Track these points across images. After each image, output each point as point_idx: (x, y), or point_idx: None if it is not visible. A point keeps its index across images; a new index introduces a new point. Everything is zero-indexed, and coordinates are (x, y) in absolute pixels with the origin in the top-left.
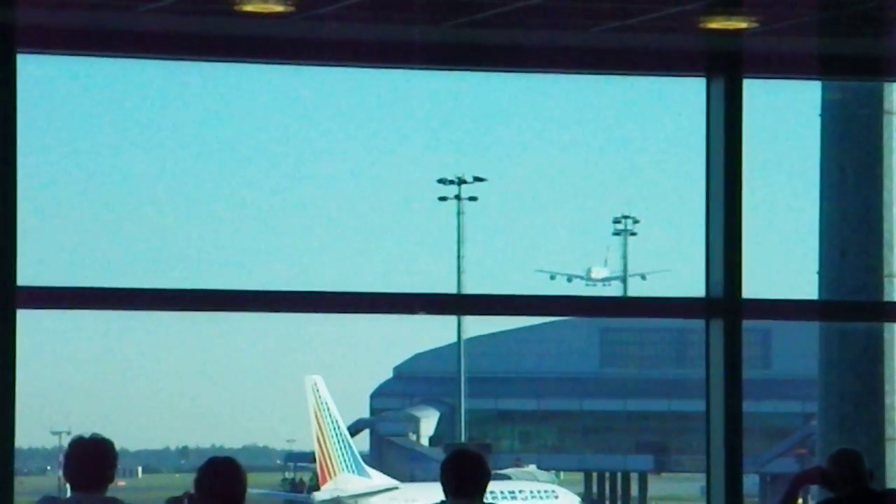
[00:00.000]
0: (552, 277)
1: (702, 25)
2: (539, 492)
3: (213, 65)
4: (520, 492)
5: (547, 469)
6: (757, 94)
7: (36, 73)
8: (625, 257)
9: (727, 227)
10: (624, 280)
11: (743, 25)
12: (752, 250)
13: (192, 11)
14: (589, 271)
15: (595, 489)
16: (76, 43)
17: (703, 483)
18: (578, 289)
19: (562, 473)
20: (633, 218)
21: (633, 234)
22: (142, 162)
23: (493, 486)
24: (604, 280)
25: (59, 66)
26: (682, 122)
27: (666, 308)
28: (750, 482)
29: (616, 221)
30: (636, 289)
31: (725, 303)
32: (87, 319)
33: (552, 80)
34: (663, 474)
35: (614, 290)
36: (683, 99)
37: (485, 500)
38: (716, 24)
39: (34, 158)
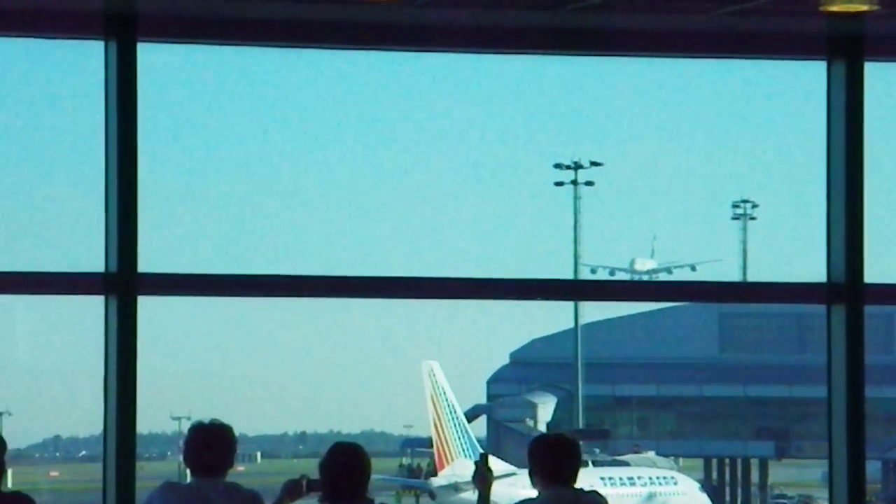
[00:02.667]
0: (593, 271)
1: (822, 8)
2: (658, 478)
3: (330, 52)
4: (638, 478)
5: (666, 455)
6: (879, 77)
7: (156, 61)
8: (744, 241)
9: (849, 211)
10: (744, 266)
11: (864, 8)
12: (874, 235)
13: None
14: (633, 263)
15: (715, 475)
16: (196, 31)
17: (825, 469)
18: (684, 274)
19: (681, 459)
20: (752, 202)
21: (753, 218)
22: (260, 149)
23: (611, 471)
24: (650, 272)
25: (179, 55)
26: (803, 106)
27: (787, 293)
28: (872, 468)
29: (735, 206)
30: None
31: (847, 288)
32: (208, 306)
33: (671, 64)
34: (784, 460)
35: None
36: (804, 83)
37: (575, 487)
38: (836, 6)
39: (154, 147)
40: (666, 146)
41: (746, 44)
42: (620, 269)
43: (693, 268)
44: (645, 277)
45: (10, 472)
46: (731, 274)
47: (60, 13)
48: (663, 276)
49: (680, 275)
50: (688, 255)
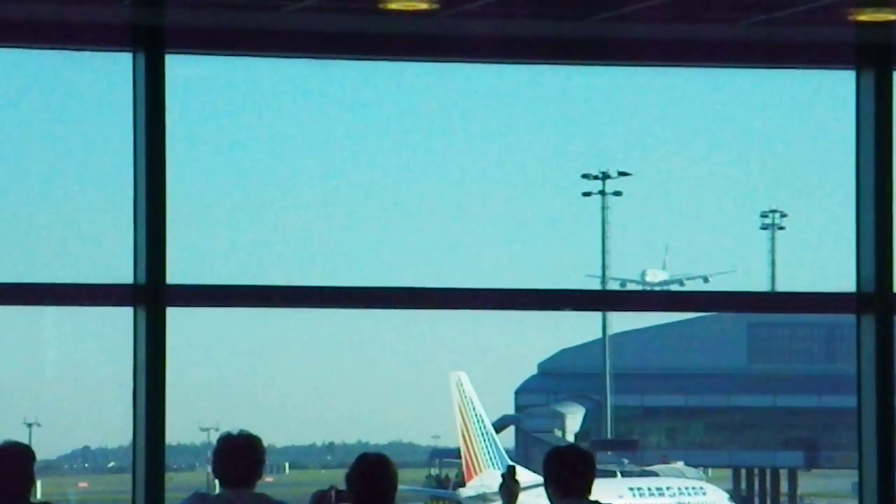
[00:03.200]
0: (603, 283)
1: (851, 17)
2: (687, 488)
3: (357, 63)
4: (667, 488)
5: (695, 465)
6: None
7: (184, 73)
8: (772, 251)
9: (878, 221)
10: (773, 276)
11: (893, 17)
12: None
13: (337, 10)
14: (643, 274)
15: (744, 486)
16: (223, 43)
17: (855, 480)
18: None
19: (710, 470)
20: (780, 212)
21: (782, 228)
22: (288, 160)
23: (640, 482)
24: (661, 284)
25: (207, 66)
26: (832, 116)
27: (816, 303)
28: None
29: (763, 216)
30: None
31: (877, 297)
32: (236, 316)
33: (699, 73)
34: (813, 471)
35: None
36: (833, 92)
37: (591, 499)
38: (865, 16)
39: (182, 158)
40: (694, 156)
41: (775, 53)
42: (631, 281)
43: (705, 279)
44: (657, 289)
45: (39, 483)
46: (748, 284)
47: (89, 25)
48: (675, 288)
49: (702, 285)
50: (704, 265)
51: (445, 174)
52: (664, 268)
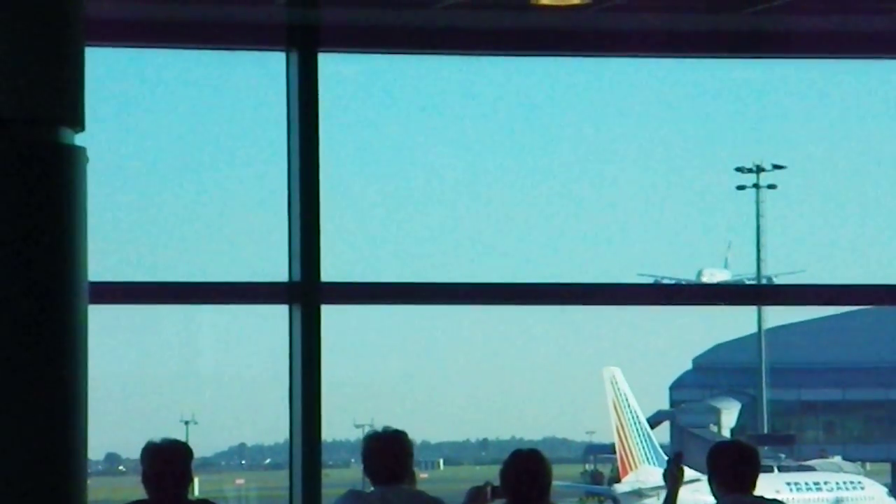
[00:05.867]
0: (657, 281)
1: None
2: (844, 483)
3: (510, 59)
4: (825, 483)
5: (853, 460)
6: None
7: (337, 71)
8: None
9: None
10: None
11: None
12: None
13: (489, 6)
14: (699, 274)
15: None
16: (376, 41)
17: None
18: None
19: (868, 464)
20: None
21: None
22: (441, 157)
23: (797, 477)
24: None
25: (360, 64)
26: None
27: None
28: None
29: None
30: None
31: None
32: (390, 313)
33: (854, 65)
34: None
35: None
36: None
37: (755, 495)
38: None
39: (336, 156)
40: (851, 149)
41: None
42: (686, 281)
43: (769, 280)
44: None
45: (196, 481)
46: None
47: (243, 25)
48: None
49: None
50: (772, 265)
51: (601, 169)
52: (726, 266)
